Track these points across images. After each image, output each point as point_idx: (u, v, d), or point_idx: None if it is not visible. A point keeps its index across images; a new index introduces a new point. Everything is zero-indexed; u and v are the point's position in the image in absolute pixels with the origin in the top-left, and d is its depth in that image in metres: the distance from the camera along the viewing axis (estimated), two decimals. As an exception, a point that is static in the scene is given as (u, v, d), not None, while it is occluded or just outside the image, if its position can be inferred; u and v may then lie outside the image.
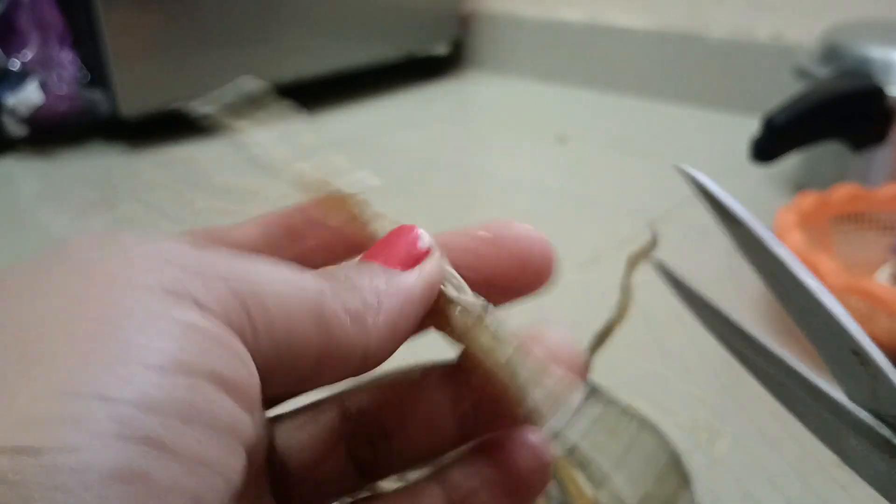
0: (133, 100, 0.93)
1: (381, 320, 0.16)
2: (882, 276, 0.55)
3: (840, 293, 0.48)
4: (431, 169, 0.89)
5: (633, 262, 0.34)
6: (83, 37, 0.93)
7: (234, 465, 0.13)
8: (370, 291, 0.16)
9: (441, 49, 1.27)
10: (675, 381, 0.49)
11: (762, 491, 0.39)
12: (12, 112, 0.91)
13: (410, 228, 0.18)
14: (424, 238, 0.18)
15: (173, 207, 0.80)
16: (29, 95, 0.91)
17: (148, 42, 0.94)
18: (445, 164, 0.91)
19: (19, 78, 0.91)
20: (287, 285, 0.15)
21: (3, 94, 0.91)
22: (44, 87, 0.92)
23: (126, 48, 0.91)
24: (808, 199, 0.57)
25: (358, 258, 0.18)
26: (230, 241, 0.20)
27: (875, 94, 0.67)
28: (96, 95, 0.94)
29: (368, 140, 0.99)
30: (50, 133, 0.95)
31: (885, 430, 0.20)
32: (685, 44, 1.09)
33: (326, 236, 0.20)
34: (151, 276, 0.14)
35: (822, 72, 0.72)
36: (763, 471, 0.41)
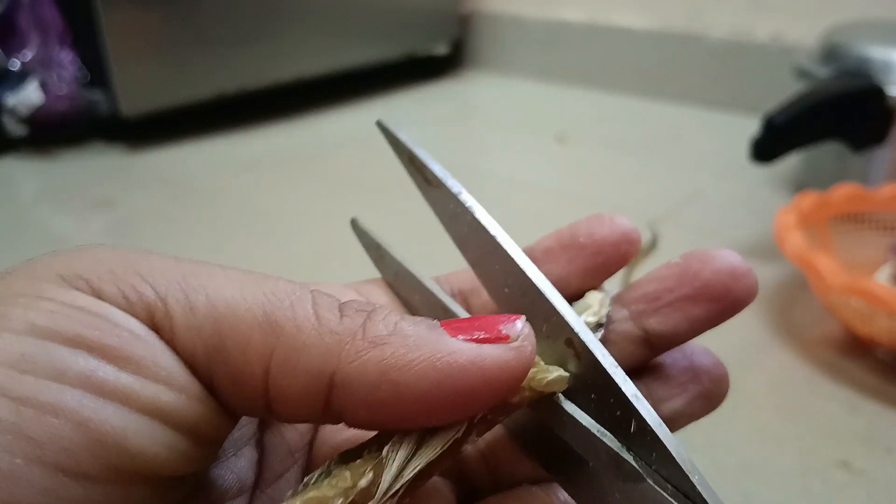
0: (133, 100, 0.93)
1: (364, 345, 0.14)
2: (882, 276, 0.55)
3: (840, 293, 0.48)
4: (431, 169, 0.89)
5: (633, 262, 0.34)
6: (83, 37, 0.93)
7: (103, 420, 0.13)
8: (372, 324, 0.15)
9: (441, 49, 1.27)
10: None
11: (762, 491, 0.39)
12: (12, 112, 0.91)
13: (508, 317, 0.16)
14: (516, 326, 0.15)
15: (173, 207, 0.80)
16: (29, 95, 0.91)
17: (148, 42, 0.94)
18: (445, 164, 0.90)
19: (19, 78, 0.91)
20: (228, 289, 0.15)
21: (3, 94, 0.91)
22: (44, 87, 0.91)
23: (126, 48, 0.91)
24: (808, 199, 0.57)
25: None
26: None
27: (875, 94, 0.67)
28: (96, 95, 0.94)
29: (369, 140, 0.99)
30: (50, 133, 0.95)
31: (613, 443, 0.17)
32: (685, 44, 1.09)
33: None
34: (60, 268, 0.15)
35: (822, 72, 0.72)
36: (763, 471, 0.41)
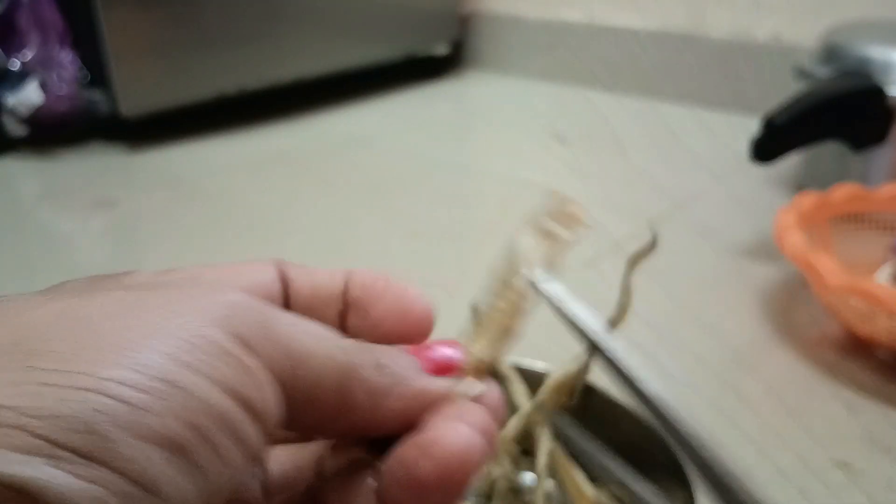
0: (133, 100, 0.93)
1: (392, 403, 0.19)
2: (882, 276, 0.55)
3: (840, 293, 0.48)
4: (431, 169, 0.89)
5: (633, 262, 0.34)
6: (83, 37, 0.93)
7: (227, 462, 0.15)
8: (392, 373, 0.19)
9: (441, 49, 1.27)
10: (673, 381, 0.49)
11: (762, 491, 0.39)
12: (12, 112, 0.91)
13: (451, 344, 0.21)
14: (454, 355, 0.21)
15: (173, 207, 0.80)
16: (29, 95, 0.91)
17: (148, 42, 0.94)
18: (445, 164, 0.91)
19: (19, 78, 0.91)
20: (323, 357, 0.18)
21: (3, 94, 0.91)
22: (44, 87, 0.91)
23: (126, 48, 0.91)
24: (808, 199, 0.57)
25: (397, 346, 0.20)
26: (314, 279, 0.22)
27: (875, 94, 0.67)
28: (96, 95, 0.94)
29: (369, 140, 0.99)
30: (50, 133, 0.95)
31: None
32: (685, 44, 1.09)
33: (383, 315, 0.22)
34: (217, 312, 0.16)
35: (822, 72, 0.72)
36: (763, 471, 0.41)
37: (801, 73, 0.75)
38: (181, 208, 0.79)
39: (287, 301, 0.21)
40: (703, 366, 0.50)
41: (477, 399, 0.20)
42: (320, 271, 0.22)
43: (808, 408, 0.46)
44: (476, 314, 0.21)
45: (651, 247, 0.33)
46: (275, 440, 0.21)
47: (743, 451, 0.42)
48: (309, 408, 0.18)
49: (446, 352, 0.21)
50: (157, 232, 0.74)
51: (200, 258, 0.68)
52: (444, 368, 0.20)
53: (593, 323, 0.20)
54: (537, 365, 0.32)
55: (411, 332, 0.22)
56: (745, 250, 0.66)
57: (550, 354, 0.34)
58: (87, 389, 0.14)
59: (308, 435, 0.21)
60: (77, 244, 0.73)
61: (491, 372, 0.21)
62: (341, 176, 0.88)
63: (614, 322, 0.33)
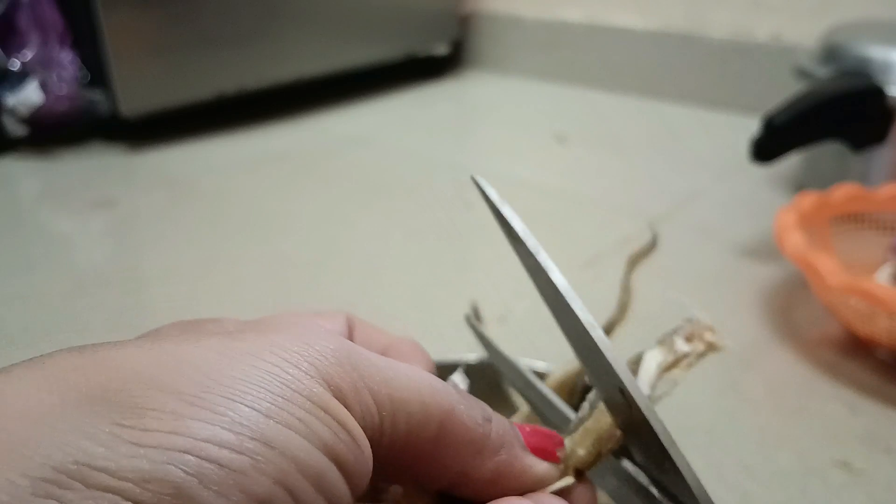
0: (133, 100, 0.93)
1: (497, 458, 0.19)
2: (882, 276, 0.55)
3: (840, 293, 0.48)
4: (431, 169, 0.89)
5: (633, 262, 0.34)
6: (83, 37, 0.93)
7: None
8: (499, 433, 0.19)
9: (441, 49, 1.27)
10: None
11: (762, 491, 0.39)
12: (12, 112, 0.91)
13: (551, 435, 0.21)
14: (554, 446, 0.21)
15: (173, 207, 0.80)
16: (29, 95, 0.91)
17: (148, 42, 0.94)
18: (445, 164, 0.91)
19: (19, 78, 0.91)
20: (428, 398, 0.18)
21: (3, 94, 0.91)
22: (44, 87, 0.91)
23: (126, 48, 0.91)
24: (808, 199, 0.57)
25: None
26: (370, 337, 0.23)
27: (875, 94, 0.67)
28: (96, 95, 0.94)
29: (369, 140, 0.99)
30: (50, 133, 0.95)
31: (642, 477, 0.21)
32: (685, 44, 1.09)
33: None
34: (313, 359, 0.16)
35: (822, 72, 0.72)
36: (763, 471, 0.41)
37: (801, 73, 0.75)
38: (181, 208, 0.79)
39: None
40: (703, 365, 0.50)
41: (569, 493, 0.20)
42: (375, 331, 0.23)
43: (808, 408, 0.46)
44: (583, 414, 0.23)
45: (651, 247, 0.33)
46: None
47: (743, 451, 0.42)
48: (403, 452, 0.18)
49: (547, 440, 0.21)
50: (156, 232, 0.74)
51: (200, 258, 0.68)
52: (541, 452, 0.20)
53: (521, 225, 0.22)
54: (537, 365, 0.32)
55: None
56: (745, 250, 0.66)
57: (551, 354, 0.34)
58: (184, 451, 0.14)
59: (389, 477, 0.21)
60: (76, 244, 0.73)
61: (579, 473, 0.22)
62: (341, 176, 0.88)
63: (615, 322, 0.33)
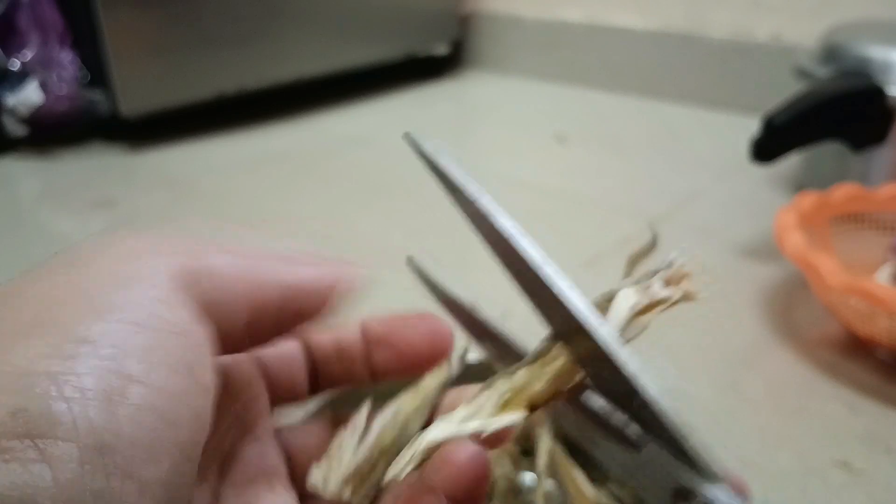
0: (133, 100, 0.93)
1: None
2: (882, 276, 0.55)
3: (840, 293, 0.48)
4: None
5: (633, 262, 0.34)
6: (83, 37, 0.93)
7: (197, 396, 0.17)
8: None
9: (441, 49, 1.27)
10: (672, 381, 0.49)
11: (762, 491, 0.39)
12: (12, 112, 0.91)
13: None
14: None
15: (173, 207, 0.80)
16: (29, 95, 0.91)
17: (148, 42, 0.94)
18: (445, 164, 0.90)
19: (19, 78, 0.91)
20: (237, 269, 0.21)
21: (3, 94, 0.91)
22: (44, 87, 0.91)
23: (126, 48, 0.91)
24: (808, 199, 0.57)
25: None
26: (334, 332, 0.24)
27: (875, 94, 0.67)
28: (96, 95, 0.94)
29: (369, 140, 0.99)
30: (50, 133, 0.95)
31: (618, 418, 0.20)
32: (685, 44, 1.09)
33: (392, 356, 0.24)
34: (162, 262, 0.19)
35: (822, 72, 0.72)
36: (763, 471, 0.41)
37: (801, 73, 0.75)
38: (181, 208, 0.79)
39: (311, 353, 0.24)
40: (703, 365, 0.50)
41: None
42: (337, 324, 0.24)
43: (808, 408, 0.46)
44: (540, 348, 0.21)
45: (651, 247, 0.33)
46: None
47: (743, 451, 0.42)
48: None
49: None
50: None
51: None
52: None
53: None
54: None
55: (437, 351, 0.23)
56: (745, 250, 0.66)
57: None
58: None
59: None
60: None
61: (533, 409, 0.21)
62: (341, 176, 0.88)
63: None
